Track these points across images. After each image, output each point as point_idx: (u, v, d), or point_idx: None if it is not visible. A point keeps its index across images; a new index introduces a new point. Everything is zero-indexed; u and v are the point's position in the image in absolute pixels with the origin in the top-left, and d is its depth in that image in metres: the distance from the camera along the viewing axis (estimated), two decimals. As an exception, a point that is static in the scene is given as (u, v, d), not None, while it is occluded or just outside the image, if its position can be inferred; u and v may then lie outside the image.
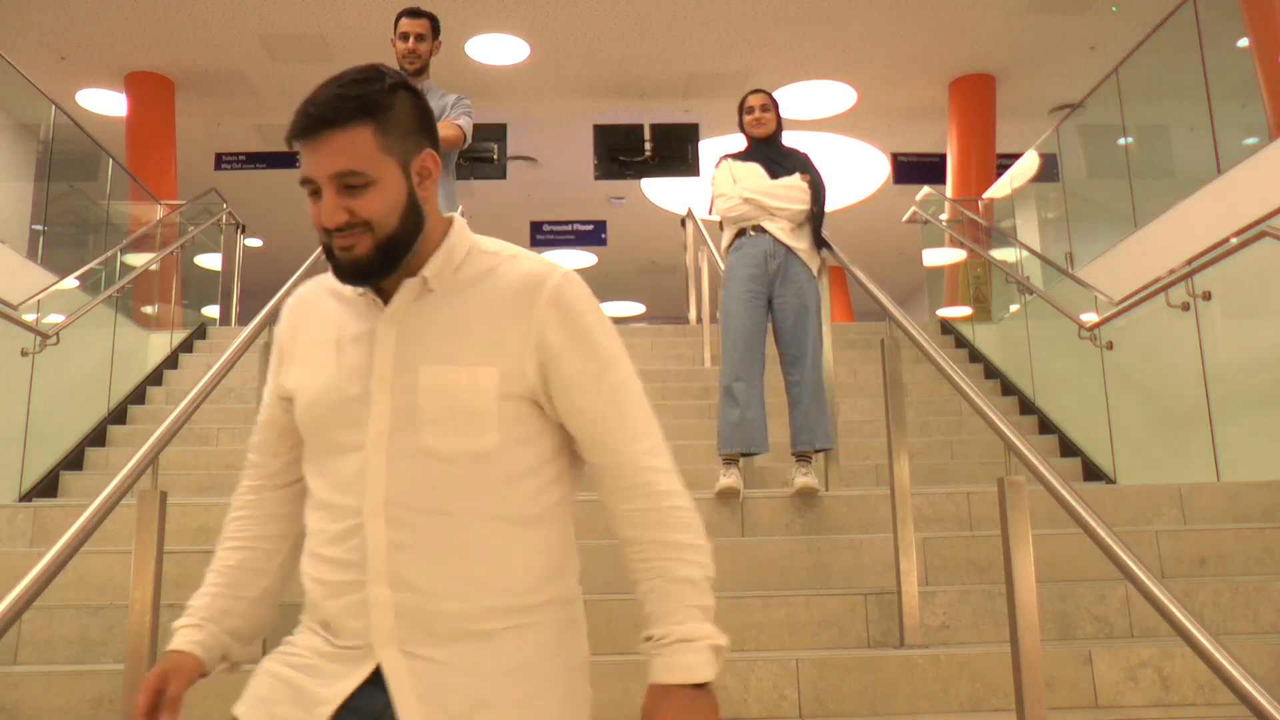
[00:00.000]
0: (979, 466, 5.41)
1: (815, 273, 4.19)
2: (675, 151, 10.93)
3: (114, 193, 7.96)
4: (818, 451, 4.08)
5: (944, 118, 11.21)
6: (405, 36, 4.17)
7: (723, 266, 4.29)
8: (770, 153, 4.28)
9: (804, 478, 3.91)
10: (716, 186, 4.30)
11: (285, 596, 1.45)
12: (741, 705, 2.69)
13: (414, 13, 4.21)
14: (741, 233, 4.18)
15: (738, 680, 2.71)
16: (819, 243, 4.22)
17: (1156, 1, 9.04)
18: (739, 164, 4.28)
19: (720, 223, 4.38)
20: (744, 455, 4.02)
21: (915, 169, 11.75)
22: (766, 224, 4.13)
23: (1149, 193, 6.58)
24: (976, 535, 3.55)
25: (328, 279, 1.40)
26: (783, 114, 4.39)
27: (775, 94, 4.51)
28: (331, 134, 1.26)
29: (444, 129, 4.10)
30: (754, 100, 4.33)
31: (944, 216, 8.74)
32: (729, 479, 3.89)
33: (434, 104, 4.21)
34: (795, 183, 4.18)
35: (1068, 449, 6.13)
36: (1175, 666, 2.77)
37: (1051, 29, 9.82)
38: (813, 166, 4.26)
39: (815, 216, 4.18)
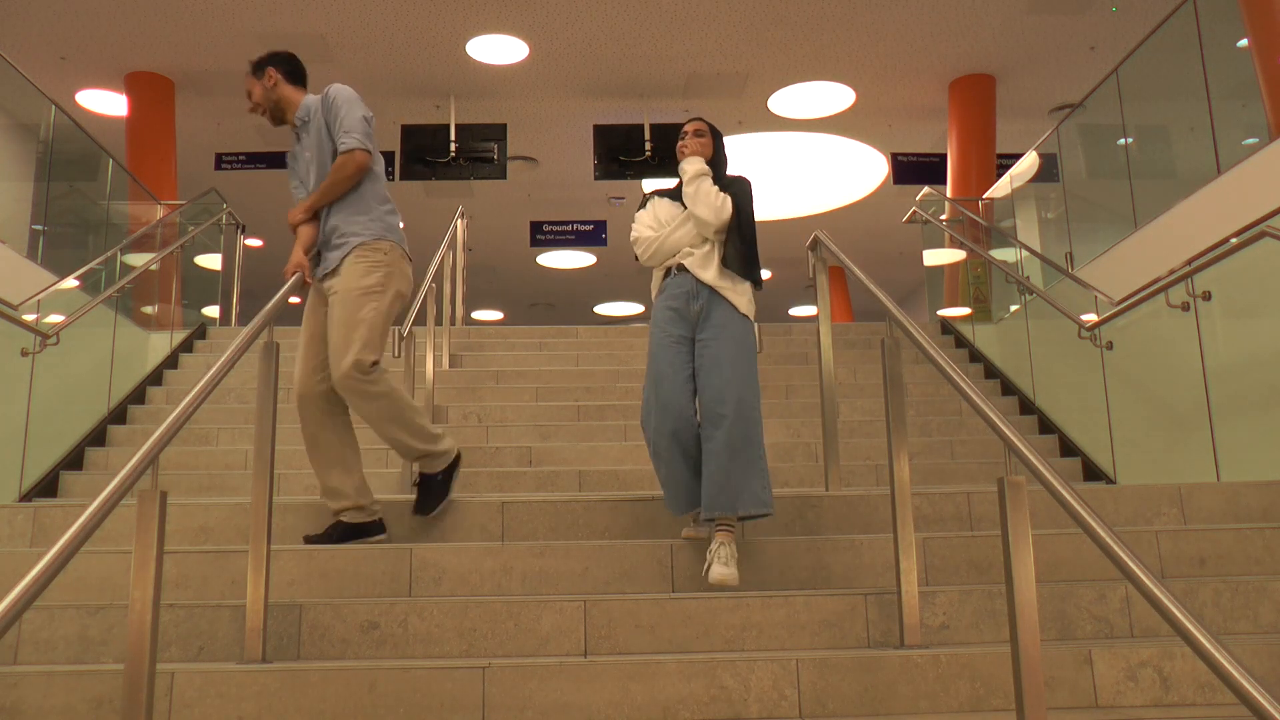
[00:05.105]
0: (979, 466, 5.42)
1: (749, 312, 3.60)
2: (675, 152, 10.92)
3: (114, 193, 7.96)
4: (745, 519, 3.46)
5: (944, 118, 11.21)
6: (249, 94, 4.00)
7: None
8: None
9: (720, 567, 3.19)
10: (636, 228, 3.82)
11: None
12: (741, 705, 2.69)
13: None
14: (667, 273, 3.72)
15: (738, 680, 2.71)
16: (748, 276, 3.63)
17: (1156, 1, 9.07)
18: (663, 201, 3.83)
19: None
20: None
21: (915, 169, 11.77)
22: (687, 262, 3.63)
23: (1149, 193, 6.58)
24: (976, 535, 3.55)
25: None
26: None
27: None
28: None
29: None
30: (688, 126, 3.87)
31: (944, 216, 8.74)
32: (689, 529, 3.60)
33: (316, 129, 3.96)
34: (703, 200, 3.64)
35: (1068, 449, 6.13)
36: (1175, 666, 2.77)
37: (1051, 29, 9.82)
38: (743, 191, 3.70)
39: (736, 241, 3.62)
